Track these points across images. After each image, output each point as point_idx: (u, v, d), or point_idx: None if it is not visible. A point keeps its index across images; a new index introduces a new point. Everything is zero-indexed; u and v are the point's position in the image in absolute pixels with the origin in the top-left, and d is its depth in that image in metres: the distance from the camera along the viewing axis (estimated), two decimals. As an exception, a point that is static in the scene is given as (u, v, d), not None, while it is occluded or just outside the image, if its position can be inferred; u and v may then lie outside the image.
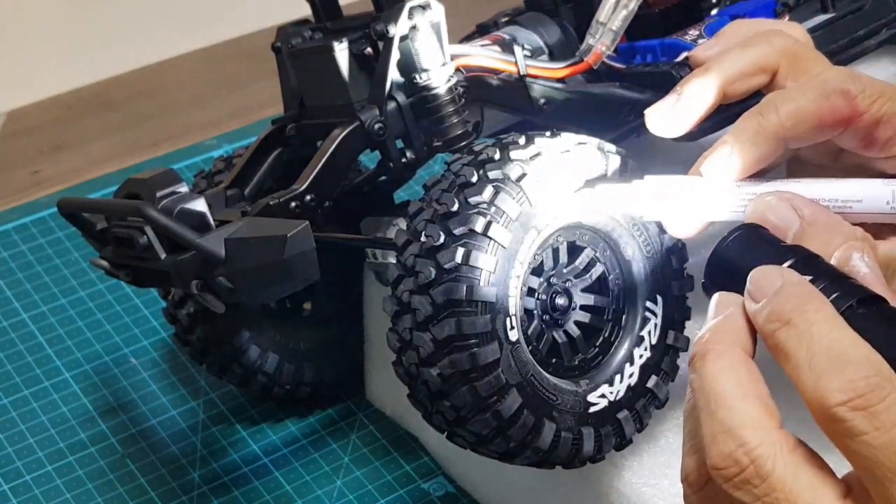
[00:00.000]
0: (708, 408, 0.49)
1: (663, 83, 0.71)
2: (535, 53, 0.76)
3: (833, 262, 0.52)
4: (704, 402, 0.49)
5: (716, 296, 0.53)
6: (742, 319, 0.51)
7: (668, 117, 0.65)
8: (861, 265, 0.52)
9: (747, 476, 0.47)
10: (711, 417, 0.49)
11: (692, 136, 0.68)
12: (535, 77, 0.73)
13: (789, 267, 0.51)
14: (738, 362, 0.50)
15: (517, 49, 0.73)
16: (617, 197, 0.63)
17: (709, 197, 0.61)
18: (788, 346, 0.48)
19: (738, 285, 0.52)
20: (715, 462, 0.48)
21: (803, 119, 0.60)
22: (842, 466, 0.48)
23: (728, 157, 0.60)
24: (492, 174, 0.62)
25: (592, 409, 0.65)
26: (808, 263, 0.51)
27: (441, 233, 0.61)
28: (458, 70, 0.71)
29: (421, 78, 0.69)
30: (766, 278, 0.51)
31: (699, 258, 0.77)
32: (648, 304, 0.67)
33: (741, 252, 0.54)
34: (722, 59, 0.65)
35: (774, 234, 0.55)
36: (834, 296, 0.49)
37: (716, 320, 0.52)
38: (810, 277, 0.50)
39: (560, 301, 0.66)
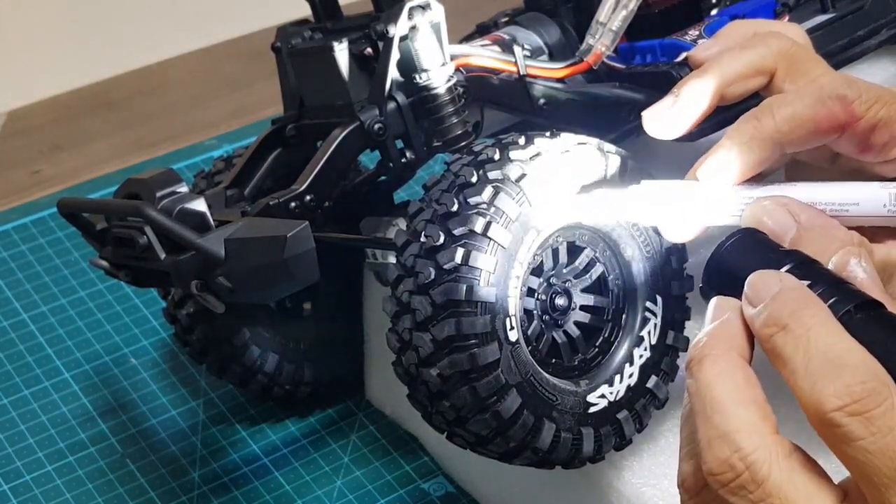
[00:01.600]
0: (704, 413, 0.49)
1: (663, 83, 0.71)
2: (534, 53, 0.76)
3: (830, 266, 0.52)
4: (700, 407, 0.49)
5: (713, 300, 0.53)
6: (739, 324, 0.51)
7: (665, 119, 0.65)
8: (858, 270, 0.52)
9: (743, 481, 0.47)
10: (707, 422, 0.49)
11: (691, 136, 0.68)
12: (535, 77, 0.73)
13: (787, 272, 0.51)
14: (735, 367, 0.50)
15: (517, 49, 0.73)
16: (613, 202, 0.63)
17: (705, 201, 0.61)
18: (785, 351, 0.48)
19: (736, 289, 0.52)
20: (710, 467, 0.48)
21: (800, 124, 0.60)
22: (839, 471, 0.48)
23: (724, 161, 0.60)
24: (491, 174, 0.62)
25: (592, 410, 0.65)
26: (806, 268, 0.51)
27: (441, 233, 0.61)
28: (458, 70, 0.71)
29: (421, 78, 0.69)
30: (764, 283, 0.51)
31: (699, 258, 0.77)
32: (648, 304, 0.67)
33: (739, 256, 0.54)
34: (719, 60, 0.65)
35: (772, 239, 0.55)
36: (831, 301, 0.49)
37: (713, 325, 0.51)
38: (808, 282, 0.50)
39: (560, 301, 0.66)
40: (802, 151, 0.62)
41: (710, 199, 0.60)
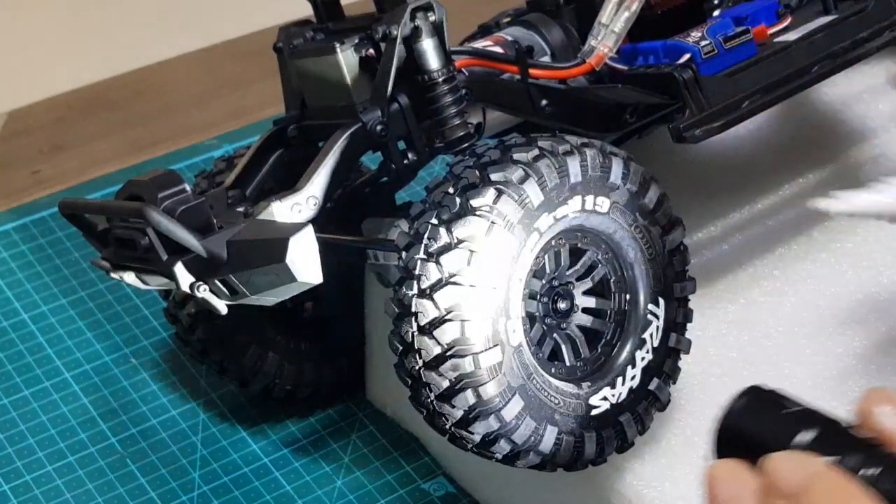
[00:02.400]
0: None
1: (665, 85, 0.71)
2: (537, 54, 0.76)
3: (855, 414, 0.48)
4: None
5: (722, 468, 0.48)
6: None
7: None
8: (886, 419, 0.48)
9: None
10: None
11: (695, 139, 0.68)
12: (538, 78, 0.73)
13: (809, 446, 0.47)
14: None
15: (519, 50, 0.73)
16: (870, 203, 0.58)
17: None
18: None
19: (750, 455, 0.48)
20: None
21: None
22: None
23: None
24: (494, 176, 0.62)
25: (594, 412, 0.65)
26: (829, 438, 0.47)
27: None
28: (459, 71, 0.71)
29: (423, 79, 0.69)
30: (787, 470, 0.46)
31: (700, 259, 0.77)
32: (650, 306, 0.67)
33: (751, 422, 0.49)
34: None
35: (778, 394, 0.50)
36: (866, 472, 0.46)
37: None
38: (837, 457, 0.46)
39: (562, 304, 0.66)
40: None
41: None
